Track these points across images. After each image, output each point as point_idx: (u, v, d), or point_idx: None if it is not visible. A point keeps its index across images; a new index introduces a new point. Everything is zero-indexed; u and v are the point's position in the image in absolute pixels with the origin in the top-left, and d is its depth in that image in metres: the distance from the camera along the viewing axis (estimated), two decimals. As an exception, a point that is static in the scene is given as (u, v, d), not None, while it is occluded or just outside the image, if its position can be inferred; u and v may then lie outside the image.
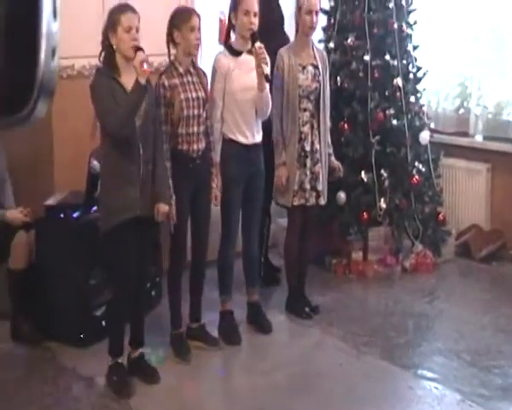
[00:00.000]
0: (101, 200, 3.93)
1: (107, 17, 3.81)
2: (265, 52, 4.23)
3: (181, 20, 4.11)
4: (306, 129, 4.73)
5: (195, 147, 4.19)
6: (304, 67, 4.71)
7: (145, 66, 3.65)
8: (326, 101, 4.81)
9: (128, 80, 3.74)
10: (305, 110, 4.72)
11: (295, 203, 4.76)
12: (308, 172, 4.75)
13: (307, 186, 4.76)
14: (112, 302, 4.08)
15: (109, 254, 3.95)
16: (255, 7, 4.34)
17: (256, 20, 4.32)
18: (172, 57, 4.20)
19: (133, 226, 3.81)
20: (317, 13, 4.70)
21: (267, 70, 4.23)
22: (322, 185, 4.81)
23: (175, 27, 4.11)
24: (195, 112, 4.17)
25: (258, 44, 4.24)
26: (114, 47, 3.76)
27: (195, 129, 4.18)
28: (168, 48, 4.19)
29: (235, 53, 4.42)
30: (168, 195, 4.00)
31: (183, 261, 4.36)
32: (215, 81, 4.41)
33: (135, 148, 3.78)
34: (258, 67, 4.24)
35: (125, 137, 3.75)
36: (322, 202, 4.85)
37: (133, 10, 3.78)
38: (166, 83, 4.10)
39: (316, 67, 4.75)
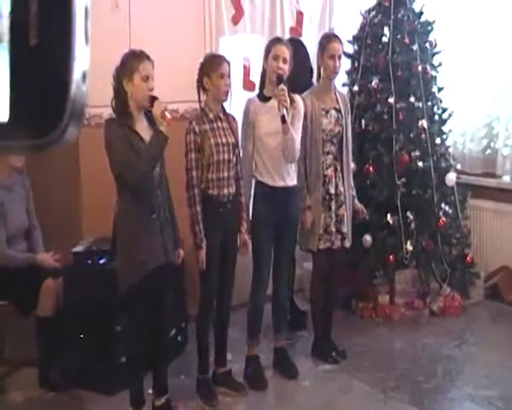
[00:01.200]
0: (122, 254, 3.83)
1: (120, 63, 3.76)
2: (286, 95, 4.25)
3: (211, 67, 4.16)
4: (330, 172, 4.75)
5: (226, 191, 4.23)
6: (327, 112, 4.74)
7: (167, 115, 3.68)
8: (348, 144, 4.83)
9: (141, 129, 3.77)
10: (328, 153, 4.74)
11: (321, 247, 4.75)
12: (333, 215, 4.75)
13: (333, 229, 4.75)
14: (129, 354, 4.06)
15: (130, 308, 3.92)
16: (285, 53, 4.37)
17: (285, 66, 4.35)
18: (203, 104, 4.25)
19: (155, 275, 3.79)
20: (339, 57, 4.74)
21: (284, 111, 4.24)
22: (347, 228, 4.81)
23: (205, 74, 4.16)
24: (226, 157, 4.22)
25: (281, 86, 4.27)
26: (129, 95, 3.74)
27: (226, 174, 4.23)
28: (199, 94, 4.22)
29: (265, 99, 4.47)
30: (180, 238, 4.08)
31: (213, 306, 4.36)
32: (244, 126, 4.49)
33: (154, 195, 3.79)
34: (278, 109, 4.28)
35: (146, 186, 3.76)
36: (348, 244, 4.84)
37: (148, 58, 3.77)
38: (197, 128, 4.15)
39: (338, 110, 4.78)
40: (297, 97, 4.51)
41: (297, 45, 5.35)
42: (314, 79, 5.36)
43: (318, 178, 4.71)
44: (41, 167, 5.06)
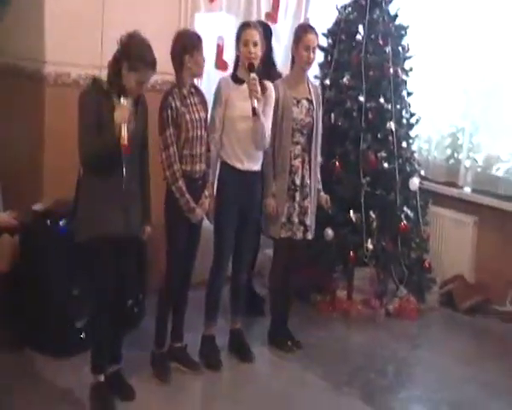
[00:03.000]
0: (80, 211, 3.80)
1: (124, 45, 3.72)
2: (257, 84, 4.25)
3: (195, 46, 4.15)
4: (297, 162, 4.71)
5: (197, 168, 4.21)
6: (298, 101, 4.71)
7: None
8: (318, 136, 4.81)
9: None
10: (297, 144, 4.71)
11: (282, 235, 4.72)
12: (297, 206, 4.72)
13: (295, 220, 4.73)
14: (91, 317, 4.02)
15: (86, 266, 3.87)
16: (255, 36, 4.36)
17: (256, 50, 4.34)
18: (176, 79, 4.21)
19: (113, 243, 3.75)
20: (314, 49, 4.72)
21: (255, 103, 4.24)
22: (310, 220, 4.78)
23: (186, 52, 4.12)
24: (199, 133, 4.21)
25: (252, 75, 4.28)
26: (122, 77, 3.72)
27: (198, 150, 4.21)
28: (176, 70, 4.17)
29: (238, 81, 4.43)
30: (150, 215, 4.03)
31: (177, 280, 4.31)
32: (216, 104, 4.44)
33: (119, 168, 3.72)
34: (249, 98, 4.26)
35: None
36: (310, 236, 4.82)
37: (154, 66, 3.76)
38: (173, 104, 4.11)
39: (310, 101, 4.75)
40: (269, 84, 4.50)
41: (265, 31, 5.35)
42: (279, 68, 5.36)
43: (285, 167, 4.67)
44: (4, 121, 4.92)
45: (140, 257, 4.35)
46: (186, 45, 4.14)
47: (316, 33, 4.77)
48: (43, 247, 4.32)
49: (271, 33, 5.40)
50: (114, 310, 3.87)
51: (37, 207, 4.42)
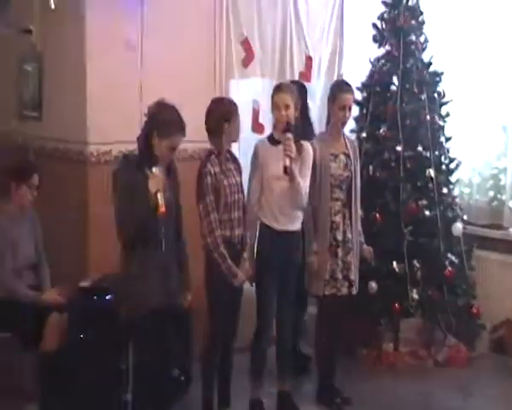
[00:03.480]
0: (121, 288, 3.89)
1: (153, 114, 3.83)
2: (292, 144, 4.31)
3: (231, 113, 4.24)
4: (338, 218, 4.74)
5: (237, 232, 4.27)
6: (336, 156, 4.75)
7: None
8: (357, 190, 4.84)
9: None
10: (336, 200, 4.75)
11: (326, 293, 4.73)
12: (340, 262, 4.74)
13: (339, 276, 4.74)
14: (135, 393, 4.07)
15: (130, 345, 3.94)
16: (285, 100, 4.41)
17: (287, 113, 4.39)
18: (212, 145, 4.29)
19: (155, 314, 3.79)
20: (350, 108, 4.78)
21: (287, 162, 4.29)
22: (354, 275, 4.79)
23: (225, 120, 4.20)
24: (236, 197, 4.28)
25: (287, 135, 4.34)
26: (154, 147, 3.81)
27: (236, 214, 4.27)
28: (214, 138, 4.26)
29: (274, 141, 4.50)
30: (190, 282, 4.09)
31: (220, 346, 4.37)
32: (253, 167, 4.53)
33: (156, 238, 3.79)
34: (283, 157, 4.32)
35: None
36: (355, 291, 4.83)
37: (184, 130, 3.85)
38: (212, 171, 4.17)
39: (347, 155, 4.79)
40: (306, 144, 4.55)
41: (300, 90, 5.43)
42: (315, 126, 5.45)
43: (325, 224, 4.71)
44: (50, 203, 5.09)
45: (185, 325, 4.40)
46: (224, 113, 4.23)
47: (351, 91, 4.84)
48: (91, 322, 4.37)
49: (306, 92, 5.48)
50: (159, 381, 3.89)
51: (84, 283, 4.52)
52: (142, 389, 3.96)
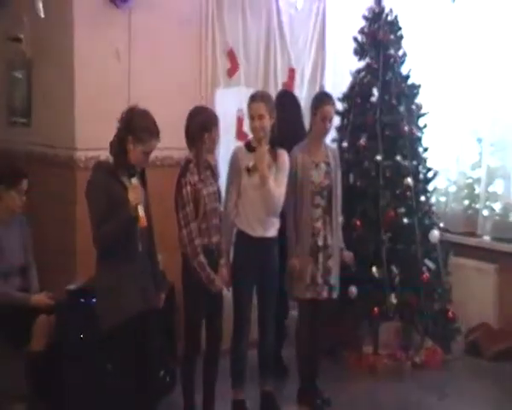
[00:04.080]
0: (100, 298, 3.91)
1: (127, 120, 3.81)
2: (264, 154, 4.44)
3: (212, 124, 4.31)
4: (319, 224, 4.85)
5: (214, 239, 4.33)
6: (317, 164, 4.87)
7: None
8: (338, 197, 4.96)
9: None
10: (317, 206, 4.86)
11: (307, 296, 4.84)
12: (320, 267, 4.84)
13: (319, 281, 4.84)
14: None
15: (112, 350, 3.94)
16: (259, 110, 4.49)
17: (261, 123, 4.48)
18: (192, 155, 4.33)
19: (135, 319, 3.81)
20: (331, 119, 4.90)
21: (250, 164, 4.46)
22: (334, 279, 4.91)
23: (206, 130, 4.26)
24: (214, 205, 4.34)
25: (261, 150, 4.46)
26: (128, 153, 3.81)
27: (213, 222, 4.33)
28: (193, 147, 4.30)
29: (251, 149, 4.59)
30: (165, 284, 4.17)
31: (198, 349, 4.42)
32: (230, 173, 4.62)
33: (134, 246, 3.83)
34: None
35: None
36: (335, 295, 4.94)
37: (158, 135, 3.84)
38: (192, 180, 4.22)
39: (328, 164, 4.91)
40: (282, 152, 4.65)
41: (291, 98, 5.57)
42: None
43: (307, 230, 4.82)
44: (39, 208, 5.17)
45: (168, 326, 4.46)
46: (205, 123, 4.28)
47: (333, 103, 4.94)
48: (78, 324, 4.43)
49: (297, 100, 5.62)
50: (143, 384, 3.92)
51: (72, 286, 4.58)
52: (127, 388, 3.93)
